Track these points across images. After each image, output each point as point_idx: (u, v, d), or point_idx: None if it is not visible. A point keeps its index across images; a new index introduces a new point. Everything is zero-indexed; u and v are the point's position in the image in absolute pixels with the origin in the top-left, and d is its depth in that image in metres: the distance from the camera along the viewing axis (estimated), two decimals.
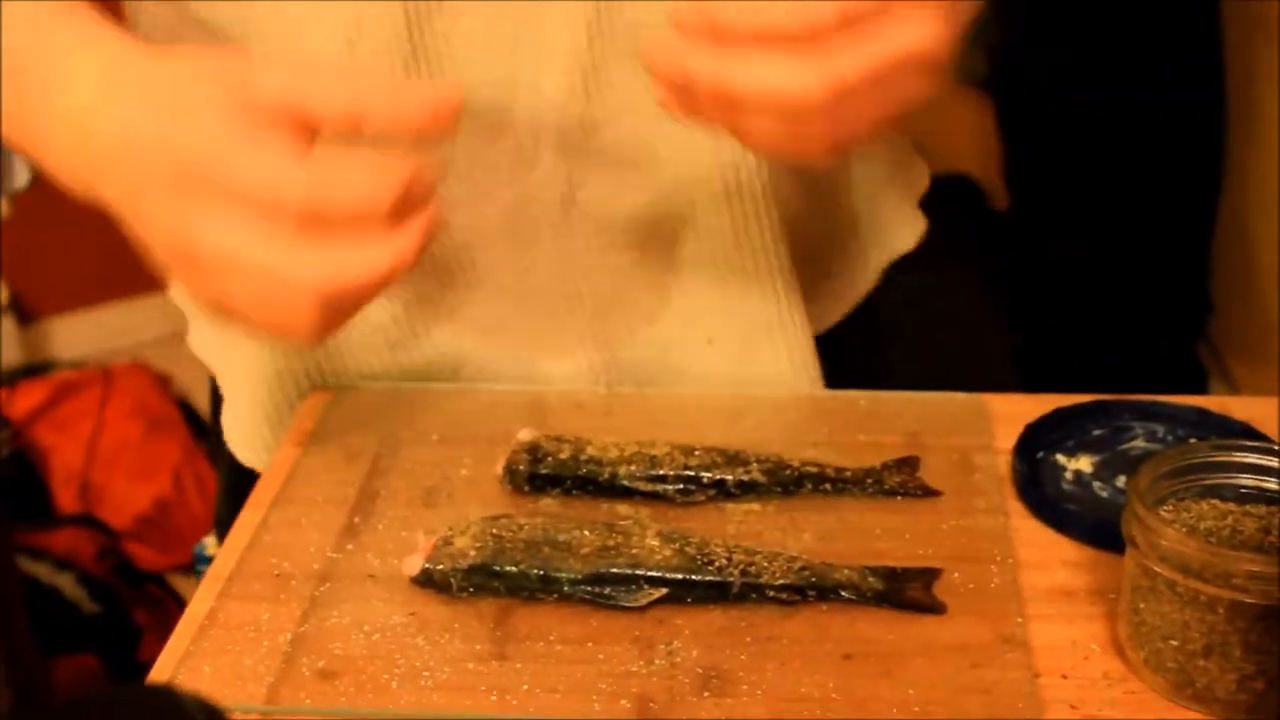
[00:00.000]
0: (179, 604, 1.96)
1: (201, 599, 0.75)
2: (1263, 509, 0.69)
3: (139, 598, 1.93)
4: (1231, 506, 0.70)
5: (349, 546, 0.78)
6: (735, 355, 0.90)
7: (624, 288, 0.88)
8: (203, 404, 2.40)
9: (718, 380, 0.89)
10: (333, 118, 0.65)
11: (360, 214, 0.64)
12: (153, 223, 0.67)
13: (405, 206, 0.65)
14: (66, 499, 2.13)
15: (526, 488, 0.81)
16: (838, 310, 0.95)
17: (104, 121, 0.67)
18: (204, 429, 2.35)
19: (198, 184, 0.64)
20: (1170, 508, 0.69)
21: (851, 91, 0.65)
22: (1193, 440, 0.82)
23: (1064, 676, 0.69)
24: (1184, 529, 0.67)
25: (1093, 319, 1.88)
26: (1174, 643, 0.66)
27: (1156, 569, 0.66)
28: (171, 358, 2.51)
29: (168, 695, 0.37)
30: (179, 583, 2.07)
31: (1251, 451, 0.70)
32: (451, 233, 0.85)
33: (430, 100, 0.65)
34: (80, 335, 2.76)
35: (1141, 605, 0.67)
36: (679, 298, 0.89)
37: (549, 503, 0.81)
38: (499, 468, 0.82)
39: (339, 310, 0.66)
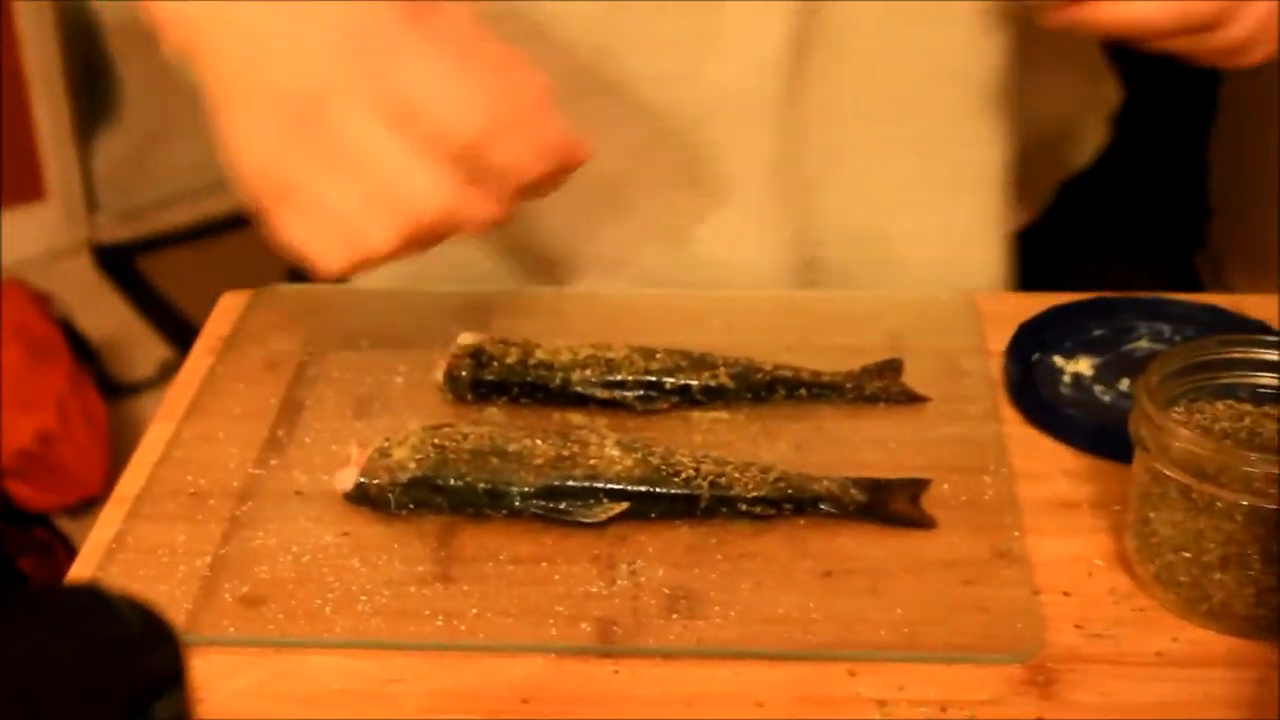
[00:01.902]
0: (69, 549, 1.95)
1: (107, 521, 0.75)
2: None
3: (24, 542, 1.92)
4: (1248, 407, 0.70)
5: (273, 462, 0.78)
6: (946, 254, 0.93)
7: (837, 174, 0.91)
8: (88, 325, 2.38)
9: (926, 280, 0.92)
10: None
11: (509, 175, 0.67)
12: (275, 81, 0.66)
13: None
14: None
15: (469, 396, 0.81)
16: (1014, 222, 0.98)
17: None
18: (90, 353, 2.33)
19: (366, 65, 0.65)
20: (1182, 409, 0.70)
21: None
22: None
23: (1066, 594, 0.69)
24: (1198, 430, 0.67)
25: (1090, 227, 1.89)
26: (1187, 555, 0.67)
27: (1168, 474, 0.66)
28: (52, 275, 2.49)
29: (94, 595, 0.36)
30: (68, 526, 2.06)
31: (1269, 347, 0.71)
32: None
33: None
34: None
35: (1151, 515, 0.68)
36: (895, 189, 0.91)
37: (494, 412, 0.81)
38: (438, 374, 0.82)
39: (413, 246, 0.68)
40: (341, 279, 0.71)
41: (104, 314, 2.53)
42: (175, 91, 3.02)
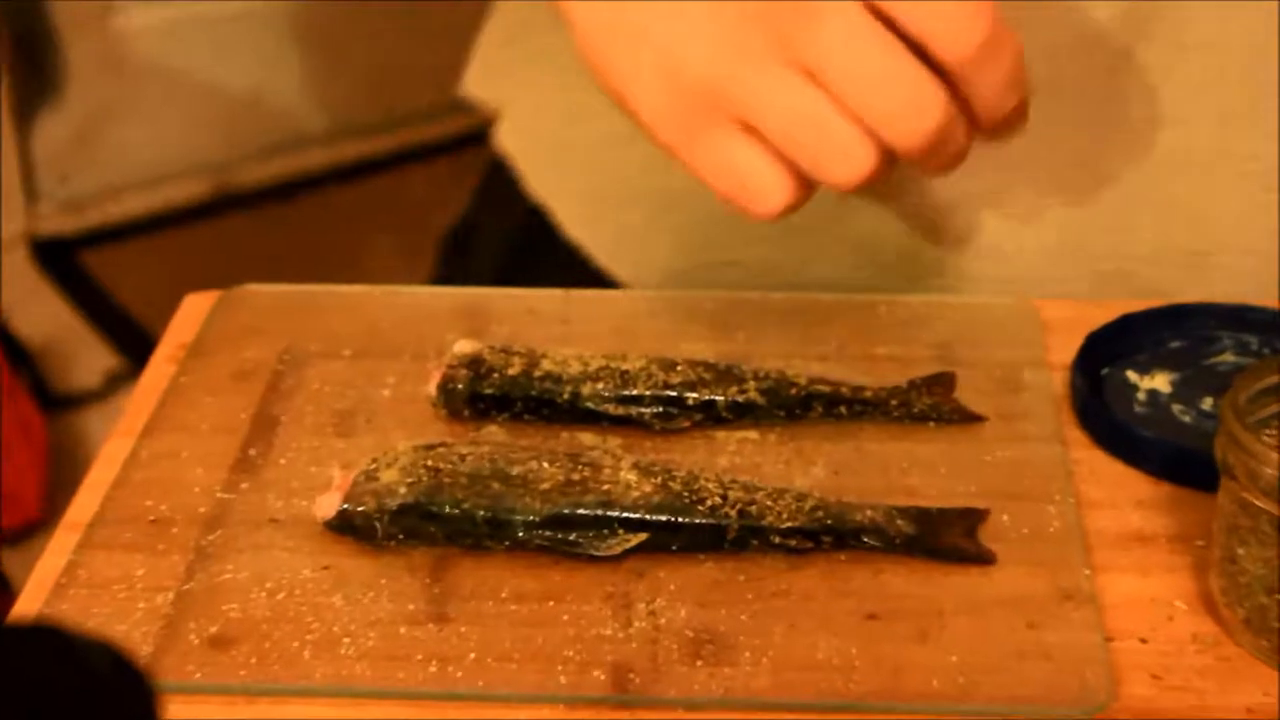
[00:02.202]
0: (4, 586, 1.95)
1: (56, 551, 0.75)
2: None
3: None
4: None
5: (244, 485, 0.78)
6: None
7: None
8: (24, 327, 2.39)
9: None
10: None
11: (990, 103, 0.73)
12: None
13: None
14: None
15: (466, 412, 0.81)
16: None
17: None
18: (24, 358, 2.34)
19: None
20: (1274, 431, 0.70)
21: None
22: None
23: (1143, 640, 0.69)
24: None
25: None
26: None
27: (1258, 504, 0.66)
28: None
29: (54, 635, 0.36)
30: (4, 555, 2.06)
31: None
32: None
33: None
34: None
35: (1239, 551, 0.68)
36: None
37: (494, 430, 0.81)
38: (431, 386, 0.82)
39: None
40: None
41: (42, 315, 2.54)
42: (127, 66, 3.03)
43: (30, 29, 2.70)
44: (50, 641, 0.37)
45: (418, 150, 2.84)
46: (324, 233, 2.71)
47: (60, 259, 2.70)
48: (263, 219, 2.76)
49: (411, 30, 2.72)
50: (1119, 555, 0.73)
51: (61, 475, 2.16)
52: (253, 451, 0.80)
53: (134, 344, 2.47)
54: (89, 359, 2.47)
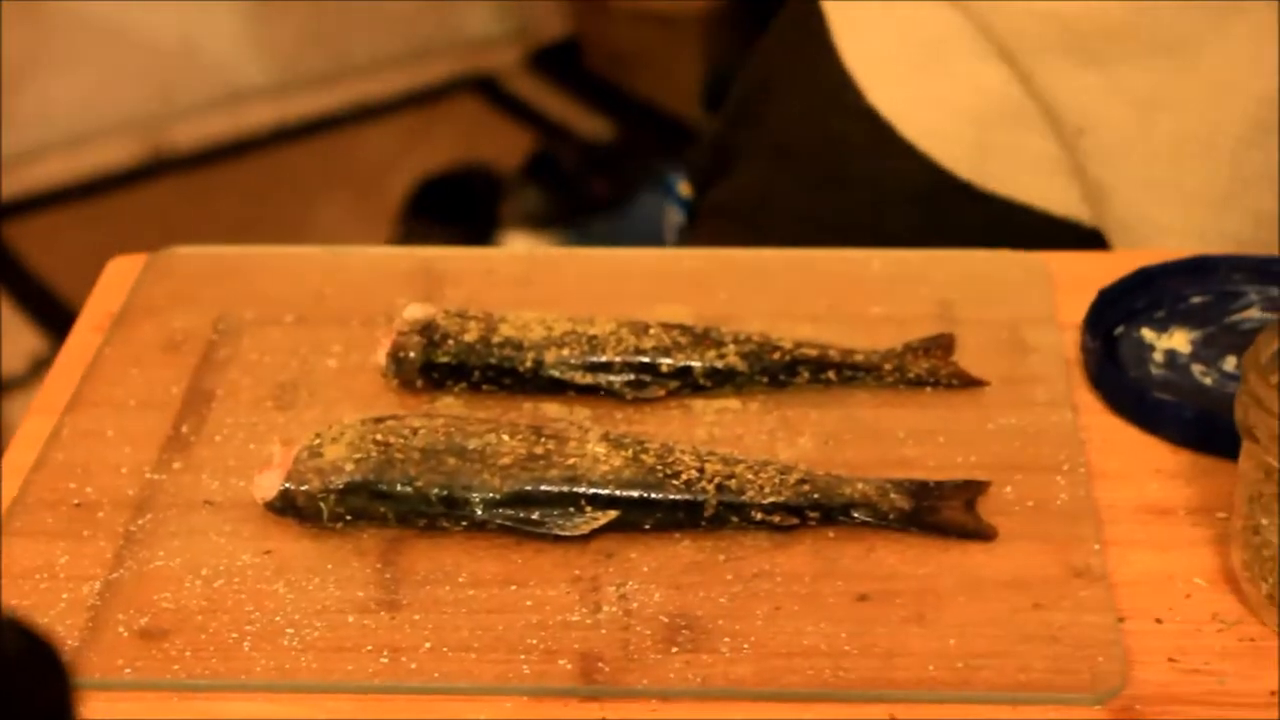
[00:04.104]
0: None
1: None
2: None
3: None
4: None
5: (176, 465, 0.79)
6: None
7: None
8: None
9: None
10: None
11: None
12: None
13: None
14: None
15: (419, 382, 0.83)
16: None
17: None
18: None
19: None
20: None
21: None
22: None
23: (1158, 620, 0.71)
24: None
25: None
26: None
27: None
28: None
29: None
30: None
31: None
32: None
33: None
34: None
35: (1264, 521, 0.69)
36: None
37: (450, 402, 0.83)
38: (381, 355, 0.84)
39: None
40: None
41: None
42: (49, 15, 3.04)
43: None
44: None
45: (373, 106, 2.86)
46: (269, 197, 2.72)
47: None
48: (201, 182, 2.77)
49: None
50: (1133, 529, 0.75)
51: None
52: (185, 428, 0.81)
53: (60, 324, 2.48)
54: (12, 341, 2.48)
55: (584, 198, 2.40)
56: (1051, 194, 1.02)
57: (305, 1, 2.82)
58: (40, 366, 2.43)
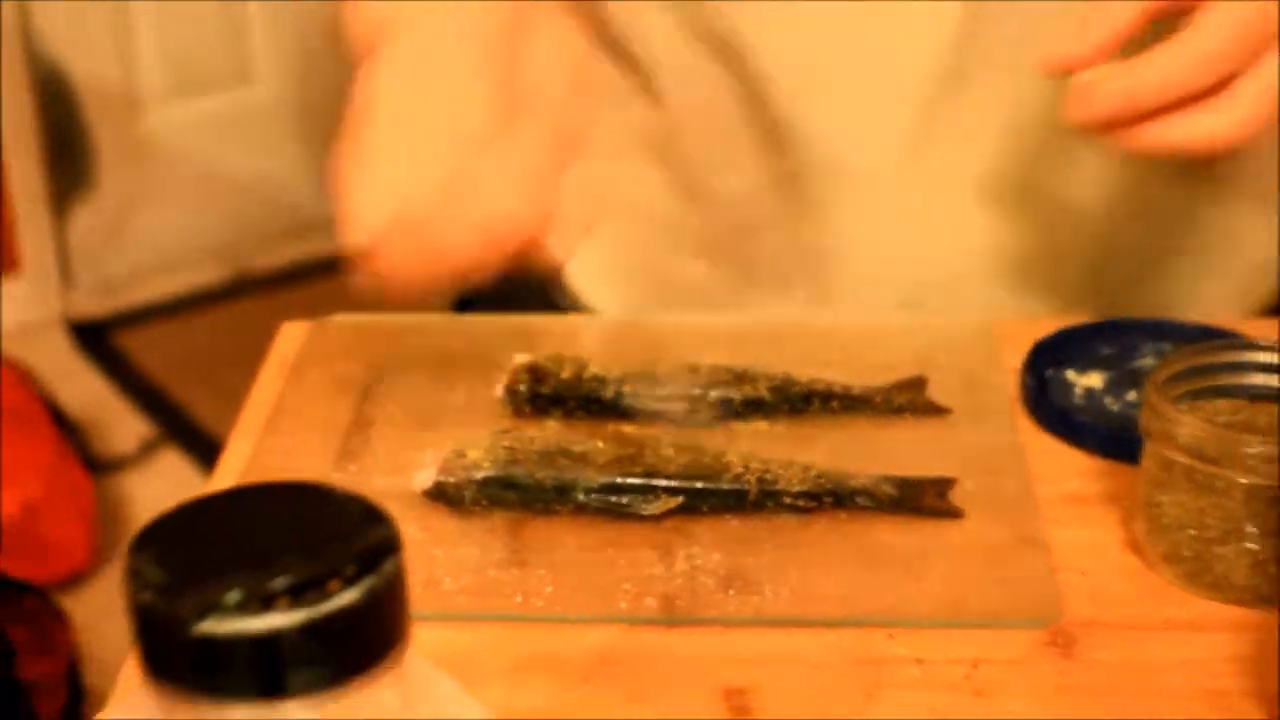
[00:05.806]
0: (60, 620, 2.06)
1: None
2: (1274, 406, 0.84)
3: (14, 612, 2.03)
4: (1243, 403, 0.84)
5: (351, 468, 0.91)
6: None
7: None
8: (65, 400, 2.50)
9: None
10: None
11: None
12: None
13: None
14: None
15: (528, 409, 0.94)
16: None
17: None
18: (70, 427, 2.45)
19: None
20: (1185, 407, 0.84)
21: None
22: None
23: (1082, 573, 0.83)
24: (1201, 418, 0.81)
25: None
26: (1191, 532, 0.81)
27: (1175, 458, 0.80)
28: (26, 349, 2.60)
29: (315, 488, 0.50)
30: (63, 600, 2.17)
31: (1261, 350, 0.85)
32: None
33: None
34: None
35: (1161, 498, 0.82)
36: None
37: (552, 425, 0.94)
38: (498, 390, 0.95)
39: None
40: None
41: (80, 389, 2.64)
42: (152, 158, 3.15)
43: (63, 125, 2.80)
44: (313, 490, 0.51)
45: None
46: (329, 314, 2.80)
47: (95, 339, 2.81)
48: (277, 302, 2.85)
49: None
50: (1063, 511, 0.87)
51: (108, 532, 2.28)
52: (354, 443, 0.93)
53: (164, 413, 2.58)
54: (125, 428, 2.57)
55: None
56: None
57: None
58: (148, 447, 2.53)
